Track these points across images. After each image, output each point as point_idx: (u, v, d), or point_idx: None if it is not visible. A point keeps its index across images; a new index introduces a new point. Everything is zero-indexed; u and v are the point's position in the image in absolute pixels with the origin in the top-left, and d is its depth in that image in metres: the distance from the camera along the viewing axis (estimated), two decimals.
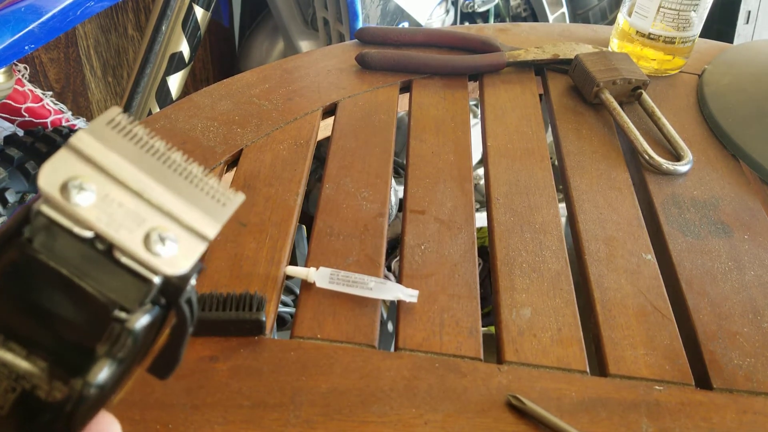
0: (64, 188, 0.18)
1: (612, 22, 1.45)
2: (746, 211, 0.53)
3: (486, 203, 0.53)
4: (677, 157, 0.57)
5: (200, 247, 0.19)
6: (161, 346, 0.21)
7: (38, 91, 0.94)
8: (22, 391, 0.18)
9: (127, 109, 0.98)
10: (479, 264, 0.47)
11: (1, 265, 0.18)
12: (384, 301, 0.44)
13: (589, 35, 0.76)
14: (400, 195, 0.87)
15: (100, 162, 0.19)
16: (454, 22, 1.30)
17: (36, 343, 0.18)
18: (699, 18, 0.65)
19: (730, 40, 1.45)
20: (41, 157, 0.80)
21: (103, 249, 0.19)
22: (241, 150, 0.55)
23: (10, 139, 0.83)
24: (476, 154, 0.60)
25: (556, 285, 0.45)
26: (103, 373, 0.18)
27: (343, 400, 0.37)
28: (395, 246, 1.05)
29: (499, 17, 1.41)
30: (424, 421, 0.37)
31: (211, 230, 0.20)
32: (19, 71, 0.97)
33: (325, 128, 0.61)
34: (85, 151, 0.19)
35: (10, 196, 0.72)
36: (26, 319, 0.18)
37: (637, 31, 0.67)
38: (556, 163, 0.58)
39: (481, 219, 0.55)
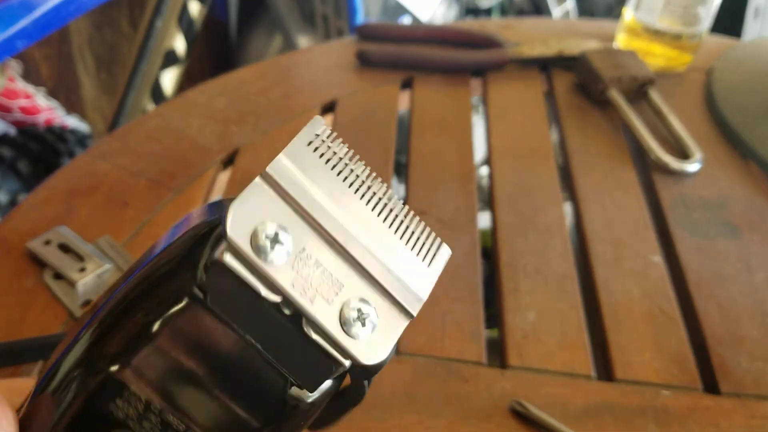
0: (256, 237, 0.15)
1: (618, 18, 1.44)
2: (756, 212, 0.52)
3: (489, 204, 0.52)
4: (685, 155, 0.56)
5: (401, 326, 0.16)
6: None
7: (30, 88, 0.93)
8: None
9: (121, 107, 0.97)
10: (482, 266, 0.46)
11: (166, 316, 0.15)
12: None
13: (594, 31, 0.75)
14: (401, 195, 0.86)
15: (300, 200, 0.16)
16: (458, 19, 1.29)
17: (194, 417, 0.16)
18: (707, 13, 0.64)
19: (739, 36, 1.44)
20: (33, 157, 0.79)
21: (290, 314, 0.16)
22: (238, 149, 0.54)
23: (2, 138, 0.83)
24: (479, 153, 0.60)
25: (561, 288, 0.44)
26: None
27: None
28: None
29: (503, 13, 1.40)
30: (425, 428, 0.36)
31: (416, 304, 0.16)
32: (11, 67, 0.96)
33: None
34: (283, 184, 0.16)
35: (2, 196, 0.71)
36: (187, 388, 0.16)
37: (644, 27, 0.66)
38: (561, 162, 0.58)
39: (484, 220, 0.55)
